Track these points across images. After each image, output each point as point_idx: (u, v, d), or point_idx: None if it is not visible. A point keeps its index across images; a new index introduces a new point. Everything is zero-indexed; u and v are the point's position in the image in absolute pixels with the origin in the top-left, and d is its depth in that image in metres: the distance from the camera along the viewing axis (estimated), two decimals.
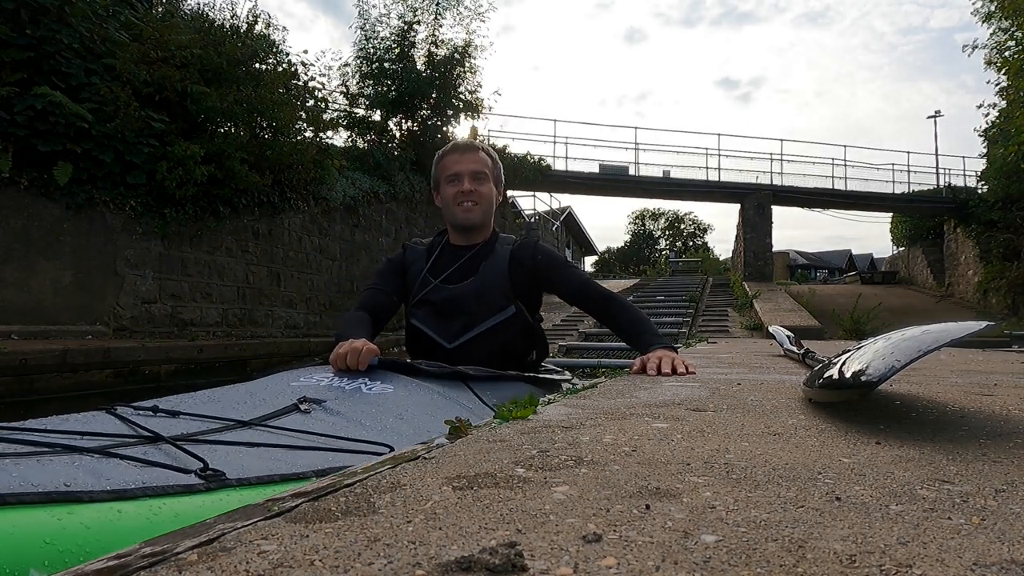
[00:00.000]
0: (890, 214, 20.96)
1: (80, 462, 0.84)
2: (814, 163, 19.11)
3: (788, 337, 3.12)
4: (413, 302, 1.93)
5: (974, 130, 16.70)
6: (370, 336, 1.71)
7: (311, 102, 9.25)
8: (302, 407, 1.26)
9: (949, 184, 18.88)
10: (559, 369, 2.21)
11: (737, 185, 17.91)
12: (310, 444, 1.08)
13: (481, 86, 13.29)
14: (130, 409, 1.13)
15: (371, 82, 12.62)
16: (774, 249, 18.20)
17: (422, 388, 1.52)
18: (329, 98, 10.65)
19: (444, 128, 13.22)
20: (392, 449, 1.05)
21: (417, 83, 12.32)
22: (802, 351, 2.31)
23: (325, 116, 9.74)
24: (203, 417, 1.14)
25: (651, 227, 44.63)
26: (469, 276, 1.89)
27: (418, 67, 12.64)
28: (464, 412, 1.42)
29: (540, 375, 1.92)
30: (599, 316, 1.98)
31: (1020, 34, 13.53)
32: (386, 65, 12.54)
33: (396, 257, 2.03)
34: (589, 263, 36.56)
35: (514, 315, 1.88)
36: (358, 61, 12.66)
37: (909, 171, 19.33)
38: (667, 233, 44.67)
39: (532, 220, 18.14)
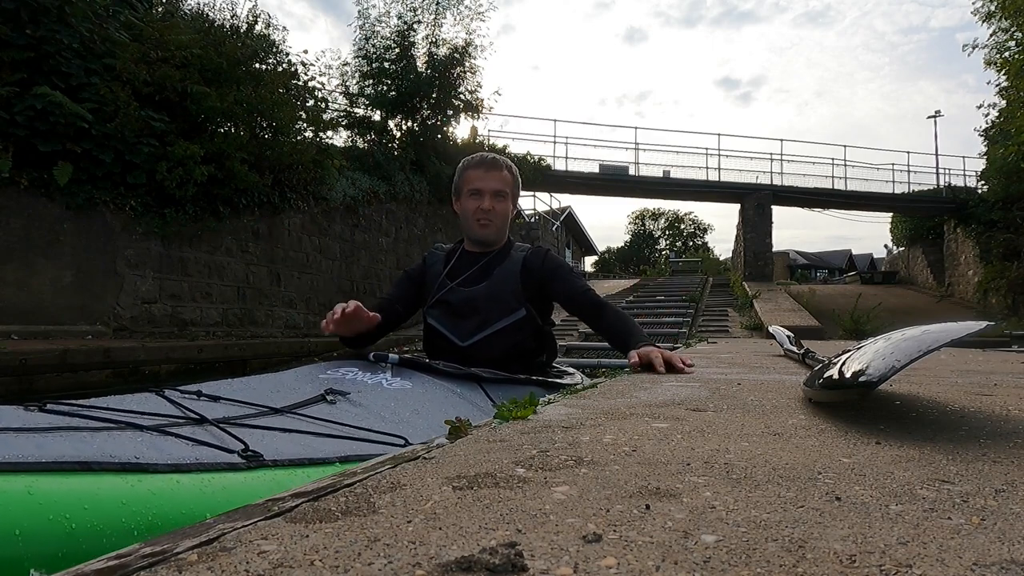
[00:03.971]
0: (890, 214, 20.96)
1: (142, 438, 0.97)
2: (814, 163, 19.10)
3: (788, 337, 3.11)
4: (430, 302, 2.02)
5: (974, 130, 16.73)
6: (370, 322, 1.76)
7: (311, 102, 9.25)
8: (328, 398, 1.37)
9: (949, 184, 18.88)
10: (572, 371, 2.25)
11: (737, 185, 17.90)
12: (334, 432, 1.18)
13: (481, 86, 13.30)
14: (176, 392, 1.24)
15: (371, 82, 12.61)
16: (774, 249, 18.19)
17: (438, 386, 1.60)
18: (329, 98, 10.66)
19: (444, 128, 13.22)
20: (407, 441, 1.15)
21: (417, 83, 12.31)
22: (802, 351, 2.31)
23: (325, 116, 9.74)
24: (240, 403, 1.25)
25: (651, 227, 44.62)
26: (484, 280, 1.98)
27: (418, 67, 12.63)
28: (476, 411, 1.49)
29: (551, 379, 1.97)
30: (592, 323, 2.05)
31: (1020, 34, 13.53)
32: (386, 65, 12.53)
33: (414, 268, 2.14)
34: (589, 263, 36.54)
35: (525, 317, 1.96)
36: (358, 61, 12.66)
37: (909, 171, 19.35)
38: (667, 233, 44.65)
39: (532, 220, 18.11)
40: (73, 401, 1.04)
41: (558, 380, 1.99)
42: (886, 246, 23.98)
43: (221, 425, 1.08)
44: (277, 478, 0.96)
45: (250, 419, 1.17)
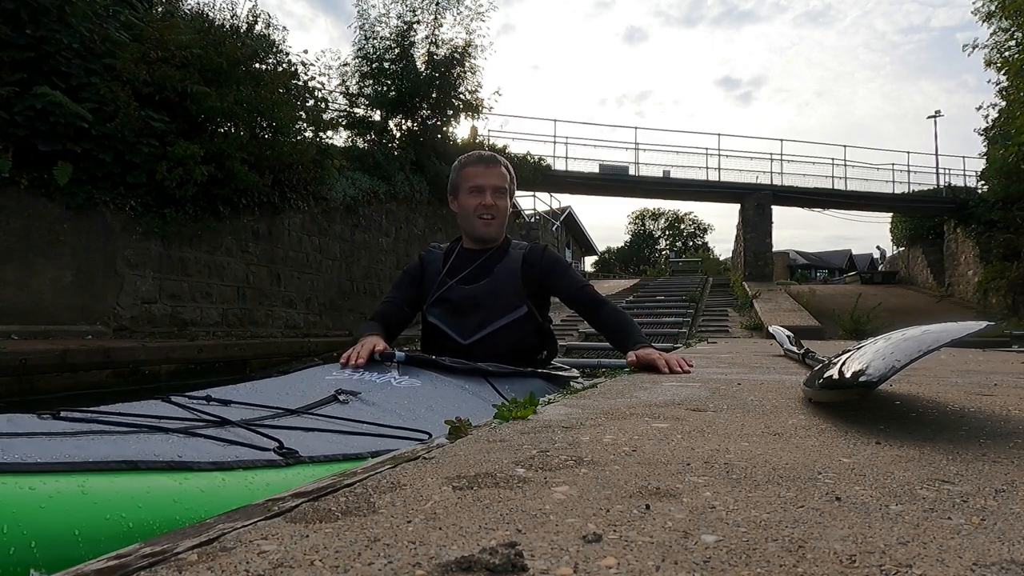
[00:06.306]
0: (890, 214, 20.97)
1: (173, 440, 0.96)
2: (814, 163, 19.10)
3: (788, 337, 3.12)
4: (431, 301, 2.01)
5: (974, 130, 16.72)
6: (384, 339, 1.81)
7: (311, 102, 9.24)
8: (340, 398, 1.36)
9: (949, 184, 18.88)
10: (569, 367, 2.26)
11: (737, 185, 17.91)
12: (358, 430, 1.18)
13: (481, 86, 13.29)
14: (184, 398, 1.22)
15: (371, 82, 12.61)
16: (774, 249, 18.19)
17: (447, 383, 1.61)
18: (329, 98, 10.65)
19: (444, 128, 13.22)
20: (431, 436, 1.14)
21: (417, 83, 12.31)
22: (802, 351, 2.31)
23: (325, 116, 9.73)
24: (252, 405, 1.24)
25: (651, 227, 44.63)
26: (484, 277, 1.98)
27: (418, 67, 12.63)
28: (487, 405, 1.49)
29: (553, 372, 1.99)
30: (590, 319, 2.06)
31: (1020, 34, 13.53)
32: (386, 65, 12.53)
33: (412, 267, 2.12)
34: (589, 263, 36.53)
35: (526, 314, 1.97)
36: (358, 61, 12.65)
37: (909, 171, 19.35)
38: (667, 233, 44.65)
39: (532, 220, 18.11)
40: (86, 408, 1.02)
41: (560, 373, 2.01)
42: (879, 247, 24.06)
43: (250, 426, 1.07)
44: (317, 474, 0.94)
45: (269, 420, 1.17)
